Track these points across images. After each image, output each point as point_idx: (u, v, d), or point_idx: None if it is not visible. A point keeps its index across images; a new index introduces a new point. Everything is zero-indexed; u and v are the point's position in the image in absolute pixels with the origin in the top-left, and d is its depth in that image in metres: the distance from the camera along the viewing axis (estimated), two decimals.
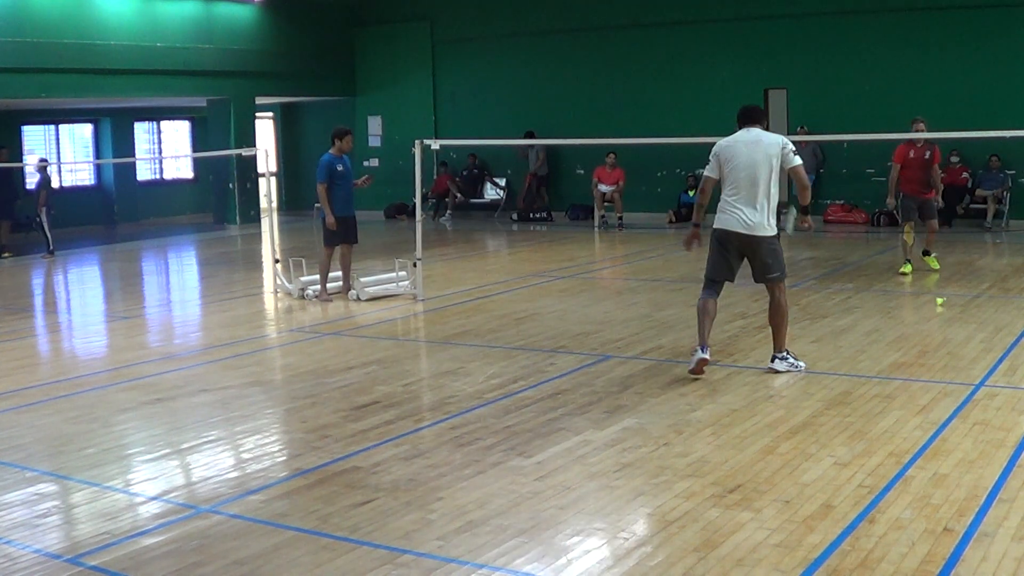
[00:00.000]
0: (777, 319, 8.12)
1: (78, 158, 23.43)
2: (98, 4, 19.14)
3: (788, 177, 8.20)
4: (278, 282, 13.10)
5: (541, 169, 21.94)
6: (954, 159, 18.08)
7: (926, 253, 13.20)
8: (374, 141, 24.22)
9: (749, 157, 7.88)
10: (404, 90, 23.78)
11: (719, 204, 8.06)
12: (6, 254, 17.65)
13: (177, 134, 25.38)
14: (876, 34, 18.86)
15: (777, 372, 8.07)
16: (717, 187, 8.11)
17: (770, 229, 7.94)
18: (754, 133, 7.99)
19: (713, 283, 8.18)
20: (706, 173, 8.09)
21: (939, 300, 10.92)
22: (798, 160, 7.99)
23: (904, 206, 12.97)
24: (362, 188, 12.47)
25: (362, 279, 12.44)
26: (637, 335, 9.73)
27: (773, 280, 8.04)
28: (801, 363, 8.19)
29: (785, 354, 8.16)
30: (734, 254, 8.06)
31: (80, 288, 15.44)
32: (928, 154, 12.72)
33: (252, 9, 22.06)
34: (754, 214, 7.87)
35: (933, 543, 4.77)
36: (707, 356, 8.01)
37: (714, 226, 8.08)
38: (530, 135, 20.86)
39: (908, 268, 12.85)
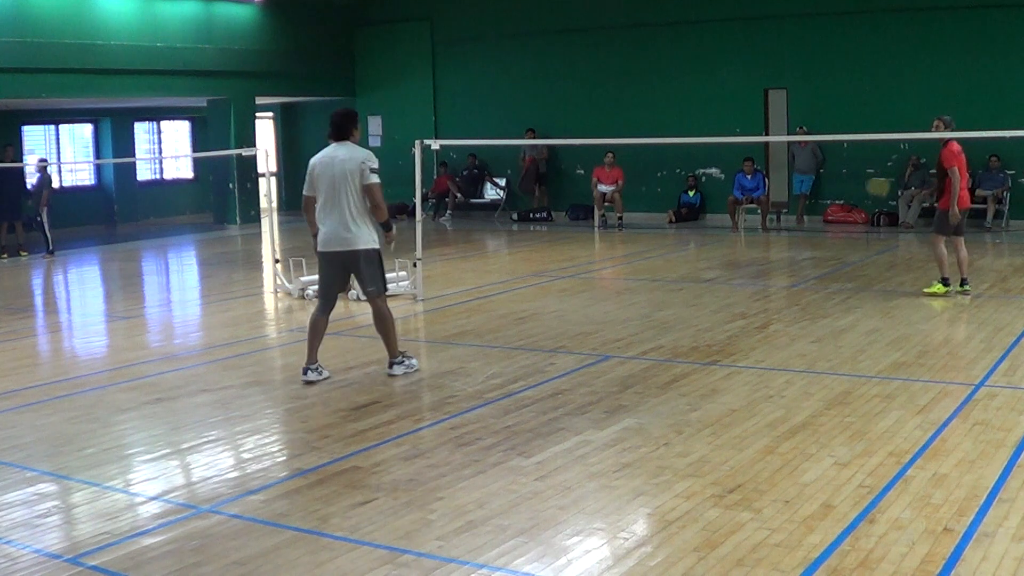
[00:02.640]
0: (383, 327, 8.23)
1: (78, 158, 23.42)
2: (98, 4, 19.14)
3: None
4: (278, 282, 13.09)
5: (543, 165, 21.93)
6: None
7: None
8: (374, 141, 24.21)
9: (330, 172, 7.96)
10: (404, 90, 23.77)
11: (319, 220, 8.05)
12: (23, 253, 17.74)
13: (177, 134, 25.37)
14: (876, 34, 18.85)
15: (395, 376, 8.23)
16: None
17: (370, 243, 8.08)
18: (337, 148, 8.02)
19: (327, 300, 8.26)
20: (305, 192, 8.11)
21: (939, 287, 11.11)
22: (375, 179, 8.10)
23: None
24: None
25: None
26: (637, 335, 9.72)
27: (370, 295, 8.20)
28: (414, 360, 8.42)
29: (400, 359, 8.32)
30: (339, 270, 8.15)
31: (80, 288, 15.44)
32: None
33: (252, 9, 22.06)
34: (348, 229, 7.97)
35: (933, 543, 4.77)
36: (314, 378, 8.15)
37: (319, 248, 8.10)
38: (530, 133, 20.89)
39: (941, 288, 11.28)
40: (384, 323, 8.24)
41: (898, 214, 18.61)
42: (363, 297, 12.09)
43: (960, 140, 11.37)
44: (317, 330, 8.21)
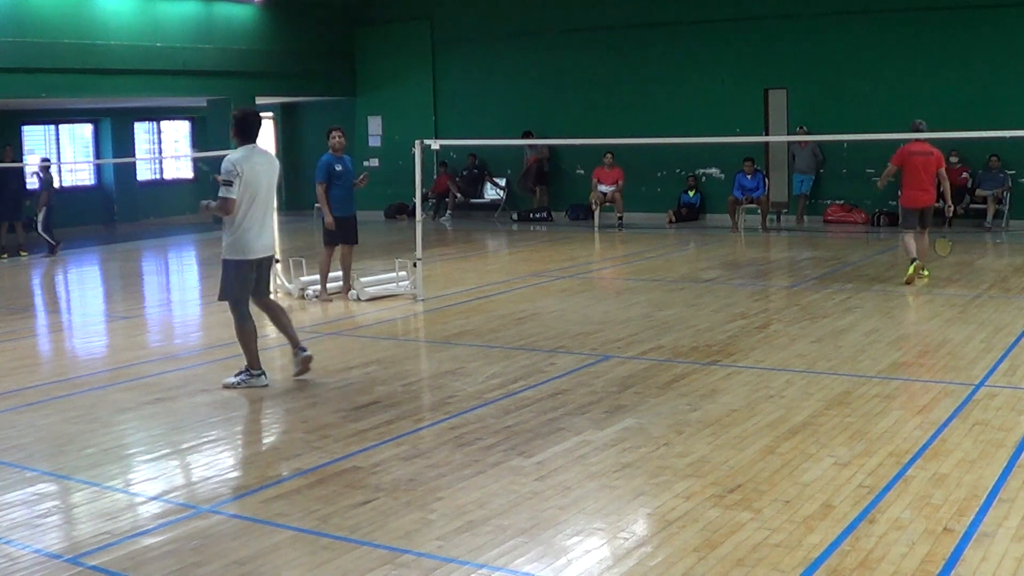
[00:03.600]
0: (285, 318, 8.38)
1: (78, 158, 23.43)
2: (98, 4, 19.14)
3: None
4: (278, 282, 13.07)
5: (546, 164, 21.94)
6: (954, 159, 18.06)
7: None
8: (374, 141, 24.21)
9: (268, 176, 7.99)
10: (404, 90, 23.77)
11: (247, 227, 7.83)
12: (23, 253, 17.75)
13: (177, 134, 25.38)
14: (876, 34, 18.85)
15: (306, 364, 8.29)
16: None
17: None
18: (257, 151, 8.02)
19: (247, 304, 8.15)
20: (231, 195, 7.71)
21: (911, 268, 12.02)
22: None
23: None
24: (359, 188, 12.47)
25: (362, 279, 12.44)
26: (637, 335, 9.72)
27: (269, 293, 8.38)
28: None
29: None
30: (257, 275, 8.13)
31: (80, 288, 15.44)
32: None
33: (252, 9, 22.06)
34: (273, 232, 8.21)
35: (933, 543, 4.77)
36: (266, 383, 8.13)
37: (250, 256, 7.92)
38: (527, 135, 20.89)
39: (912, 268, 12.25)
40: (284, 314, 8.40)
41: (898, 214, 18.60)
42: (363, 297, 12.18)
43: (960, 140, 11.63)
44: (254, 336, 8.14)
